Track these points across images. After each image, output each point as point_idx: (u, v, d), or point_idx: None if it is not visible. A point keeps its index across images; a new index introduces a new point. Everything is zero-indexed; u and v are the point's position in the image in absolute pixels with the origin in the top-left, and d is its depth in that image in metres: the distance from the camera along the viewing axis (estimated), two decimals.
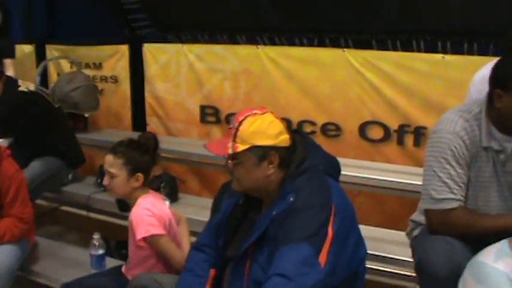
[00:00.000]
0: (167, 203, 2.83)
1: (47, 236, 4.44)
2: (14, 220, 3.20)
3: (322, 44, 4.81)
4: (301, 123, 4.48)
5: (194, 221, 3.53)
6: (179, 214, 2.97)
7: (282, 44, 5.10)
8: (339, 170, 2.26)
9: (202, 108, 5.03)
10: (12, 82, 4.19)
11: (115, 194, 2.79)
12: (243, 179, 2.13)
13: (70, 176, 4.45)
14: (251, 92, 4.72)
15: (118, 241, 3.84)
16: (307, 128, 4.45)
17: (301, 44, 4.96)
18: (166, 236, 2.63)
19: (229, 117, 4.82)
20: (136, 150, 2.72)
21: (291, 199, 2.01)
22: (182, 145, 4.70)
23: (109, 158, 2.70)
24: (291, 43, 5.07)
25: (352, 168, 3.73)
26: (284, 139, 2.10)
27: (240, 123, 2.09)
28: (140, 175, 2.70)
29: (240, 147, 2.08)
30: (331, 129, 4.41)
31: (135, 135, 4.99)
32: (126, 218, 2.91)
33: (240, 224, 2.25)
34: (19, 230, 3.22)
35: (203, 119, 5.05)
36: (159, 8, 7.05)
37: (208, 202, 3.91)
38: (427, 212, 2.29)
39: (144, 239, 2.60)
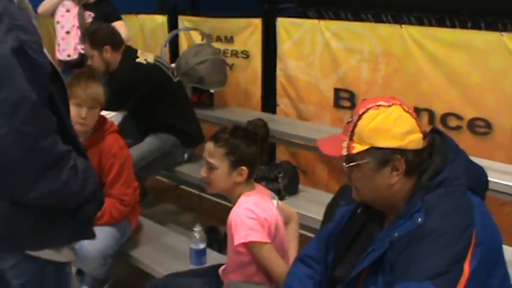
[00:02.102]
0: (275, 201, 2.54)
1: (161, 215, 4.41)
2: (114, 201, 3.19)
3: (476, 27, 4.33)
4: (445, 116, 4.10)
5: (312, 219, 3.29)
6: (289, 211, 2.72)
7: (431, 25, 4.66)
8: (486, 186, 1.85)
9: (337, 91, 4.77)
10: (131, 52, 4.13)
11: (214, 188, 2.52)
12: (361, 186, 1.84)
13: (186, 156, 4.38)
14: (391, 76, 4.39)
15: None
16: (452, 123, 4.07)
17: (453, 26, 4.51)
18: (269, 245, 2.37)
19: None
20: (242, 139, 2.45)
21: (419, 220, 1.67)
22: (312, 131, 4.47)
23: (209, 146, 2.47)
24: (441, 24, 4.63)
25: (501, 175, 3.32)
26: (414, 140, 1.75)
27: (360, 117, 1.77)
28: (244, 168, 2.43)
29: (357, 148, 1.76)
30: (480, 126, 3.97)
31: (264, 116, 4.97)
32: None
33: (356, 239, 1.94)
34: (119, 212, 3.20)
35: (337, 104, 4.79)
36: None
37: (327, 197, 3.67)
38: None
39: (244, 244, 2.35)
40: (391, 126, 1.73)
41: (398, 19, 5.63)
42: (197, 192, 4.16)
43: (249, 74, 5.42)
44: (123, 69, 4.11)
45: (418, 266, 1.60)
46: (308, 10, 7.19)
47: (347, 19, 6.48)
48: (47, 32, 6.00)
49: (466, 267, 1.57)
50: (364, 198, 1.86)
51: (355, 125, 1.77)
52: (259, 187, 2.57)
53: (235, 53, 5.48)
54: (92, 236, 2.01)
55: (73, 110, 3.04)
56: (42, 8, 5.32)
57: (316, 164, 4.85)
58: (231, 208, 2.47)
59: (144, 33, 6.43)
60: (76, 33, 5.22)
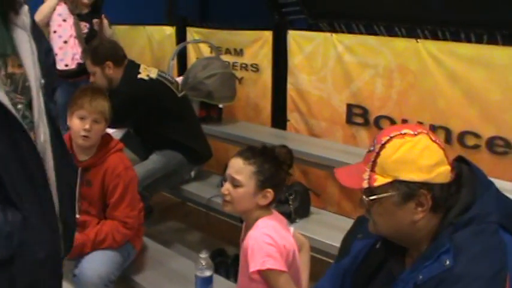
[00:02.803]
0: (291, 229, 2.42)
1: (166, 234, 4.30)
2: (117, 224, 3.10)
3: (493, 41, 4.21)
4: (462, 134, 3.98)
5: (324, 244, 3.19)
6: (301, 239, 2.59)
7: (445, 39, 4.55)
8: None
9: (349, 107, 4.65)
10: (133, 68, 4.08)
11: (234, 207, 2.37)
12: (381, 221, 1.69)
13: (192, 173, 4.28)
14: (406, 92, 4.27)
15: (237, 254, 3.52)
16: (470, 141, 3.94)
17: (468, 40, 4.39)
18: (286, 274, 2.23)
19: (379, 119, 4.43)
20: (272, 161, 2.34)
21: (447, 262, 1.52)
22: (324, 148, 4.36)
23: (237, 162, 2.34)
24: (456, 38, 4.52)
25: None
26: (442, 173, 1.61)
27: (383, 146, 1.64)
28: (270, 191, 2.32)
29: (379, 180, 1.62)
30: (500, 145, 3.83)
31: (274, 132, 4.85)
32: None
33: (374, 276, 1.80)
34: (122, 236, 3.10)
35: (349, 120, 4.67)
36: None
37: (347, 222, 3.54)
38: None
39: (259, 271, 2.22)
40: (417, 158, 1.60)
41: (412, 32, 5.52)
42: (204, 211, 4.06)
43: (258, 88, 5.32)
44: (125, 85, 4.04)
45: None
46: (319, 22, 7.11)
47: (359, 31, 6.38)
48: None
49: None
50: (383, 233, 1.73)
51: (378, 154, 1.64)
52: (276, 213, 2.44)
53: (244, 66, 5.38)
54: None
55: (77, 123, 3.00)
56: (38, 16, 5.22)
57: (328, 182, 4.73)
58: (239, 228, 2.36)
59: (151, 45, 6.35)
60: (74, 43, 5.27)
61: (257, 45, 5.25)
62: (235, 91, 4.99)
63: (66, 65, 5.26)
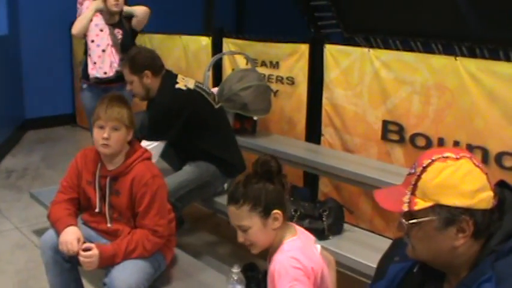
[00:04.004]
0: (318, 246, 2.39)
1: (197, 245, 4.29)
2: (147, 232, 3.10)
3: None
4: (500, 155, 3.94)
5: (356, 262, 3.18)
6: (327, 256, 2.55)
7: (483, 57, 4.50)
8: None
9: (385, 123, 4.64)
10: (170, 77, 4.14)
11: (259, 247, 2.35)
12: (420, 246, 1.66)
13: (226, 185, 4.22)
14: (443, 110, 4.25)
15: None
16: (508, 162, 3.91)
17: (507, 59, 4.34)
18: None
19: (414, 137, 4.41)
20: (258, 184, 2.31)
21: None
22: (358, 164, 4.36)
23: (232, 210, 2.33)
24: (494, 56, 4.47)
25: None
26: (485, 199, 1.58)
27: (424, 169, 1.62)
28: (277, 211, 2.30)
29: (420, 204, 1.60)
30: None
31: (308, 146, 4.84)
32: None
33: None
34: (152, 244, 3.10)
35: (385, 136, 4.65)
36: (348, 6, 6.70)
37: (381, 241, 3.52)
38: None
39: None
40: (460, 183, 1.57)
41: (448, 49, 5.49)
42: None
43: (293, 102, 5.33)
44: (162, 95, 4.06)
45: None
46: (355, 36, 7.10)
47: (395, 46, 6.36)
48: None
49: None
50: (422, 258, 1.71)
51: (419, 177, 1.61)
52: (301, 230, 2.42)
53: (280, 79, 5.40)
54: None
55: (96, 132, 3.07)
56: (75, 29, 5.52)
57: (360, 198, 4.72)
58: None
59: (187, 55, 6.41)
60: (111, 52, 5.42)
61: (293, 59, 5.27)
62: (270, 104, 5.01)
63: (105, 73, 5.41)
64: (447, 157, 1.61)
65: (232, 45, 5.84)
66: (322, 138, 5.11)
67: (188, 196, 4.01)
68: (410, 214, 1.63)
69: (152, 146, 3.83)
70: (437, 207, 1.58)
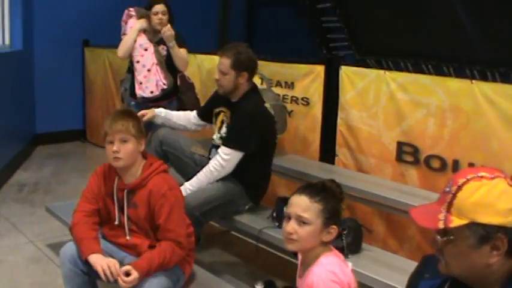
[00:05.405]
0: (350, 263, 2.43)
1: (214, 263, 4.30)
2: (172, 244, 3.14)
3: None
4: None
5: (375, 281, 3.25)
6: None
7: (494, 80, 4.55)
8: None
9: (400, 145, 4.68)
10: (257, 90, 4.32)
11: (299, 245, 2.40)
12: (454, 262, 1.69)
13: (247, 207, 4.25)
14: (459, 132, 4.30)
15: (286, 286, 3.55)
16: None
17: None
18: None
19: (429, 158, 4.45)
20: (333, 198, 2.40)
21: None
22: (372, 184, 4.40)
23: (303, 200, 2.37)
24: (505, 79, 4.53)
25: None
26: None
27: (459, 188, 1.65)
28: (335, 227, 2.39)
29: (455, 222, 1.63)
30: None
31: (322, 166, 4.88)
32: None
33: None
34: (177, 256, 3.15)
35: (399, 157, 4.70)
36: (360, 29, 6.75)
37: (395, 260, 3.55)
38: None
39: None
40: (495, 201, 1.61)
41: (460, 71, 5.54)
42: (254, 242, 4.11)
43: (308, 122, 5.39)
44: (254, 106, 4.16)
45: None
46: (366, 58, 7.15)
47: (406, 68, 6.41)
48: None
49: None
50: (454, 274, 1.74)
51: (454, 196, 1.65)
52: (334, 249, 2.47)
53: (295, 99, 5.46)
54: None
55: (107, 148, 3.17)
56: (120, 52, 5.64)
57: (374, 219, 4.75)
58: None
59: (201, 73, 6.47)
60: (156, 70, 5.52)
61: (308, 79, 5.33)
62: (286, 124, 5.07)
63: (152, 92, 5.54)
64: (482, 176, 1.64)
65: None
66: (336, 158, 5.15)
67: (212, 212, 4.04)
68: (445, 231, 1.66)
69: (230, 157, 3.97)
70: (473, 225, 1.61)
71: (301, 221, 2.34)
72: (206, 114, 4.51)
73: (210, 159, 4.19)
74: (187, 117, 4.63)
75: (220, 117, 4.33)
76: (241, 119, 4.08)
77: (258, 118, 4.10)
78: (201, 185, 4.01)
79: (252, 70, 4.18)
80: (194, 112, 4.64)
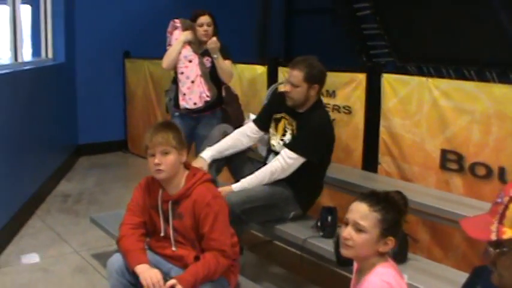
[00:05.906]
0: (406, 276, 2.40)
1: (256, 272, 4.28)
2: (216, 254, 3.15)
3: None
4: None
5: None
6: None
7: None
8: None
9: (444, 152, 4.62)
10: (322, 103, 4.37)
11: (354, 252, 2.38)
12: (507, 274, 1.65)
13: (292, 214, 4.19)
14: (504, 139, 4.24)
15: None
16: None
17: None
18: None
19: (474, 166, 4.39)
20: (394, 209, 2.37)
21: None
22: (416, 193, 4.29)
23: (362, 207, 2.36)
24: None
25: None
26: None
27: (511, 199, 1.63)
28: (392, 239, 2.36)
29: (508, 233, 1.60)
30: None
31: (365, 174, 4.84)
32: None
33: None
34: (221, 266, 3.18)
35: (443, 165, 4.64)
36: (401, 36, 6.70)
37: (442, 270, 3.51)
38: None
39: None
40: None
41: (503, 77, 5.47)
42: (298, 252, 4.07)
43: (350, 130, 5.37)
44: (323, 118, 4.21)
45: None
46: (407, 65, 7.11)
47: (448, 74, 6.34)
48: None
49: None
50: (508, 285, 1.71)
51: (506, 207, 1.63)
52: (391, 260, 2.44)
53: (337, 108, 5.44)
54: None
55: (149, 161, 3.20)
56: (165, 63, 5.64)
57: (418, 227, 4.69)
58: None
59: (242, 83, 6.49)
60: (200, 82, 5.51)
61: (350, 88, 5.32)
62: None
63: (195, 103, 5.52)
64: None
65: (287, 74, 5.85)
66: (379, 166, 5.12)
67: (253, 212, 3.99)
68: (498, 243, 1.64)
69: (293, 162, 4.00)
70: None
71: (358, 228, 2.33)
72: (265, 123, 4.44)
73: (266, 164, 4.19)
74: (237, 137, 4.45)
75: (282, 123, 4.30)
76: (311, 129, 4.08)
77: (327, 130, 4.17)
78: (258, 184, 4.02)
79: (323, 82, 4.20)
80: (248, 125, 4.55)
